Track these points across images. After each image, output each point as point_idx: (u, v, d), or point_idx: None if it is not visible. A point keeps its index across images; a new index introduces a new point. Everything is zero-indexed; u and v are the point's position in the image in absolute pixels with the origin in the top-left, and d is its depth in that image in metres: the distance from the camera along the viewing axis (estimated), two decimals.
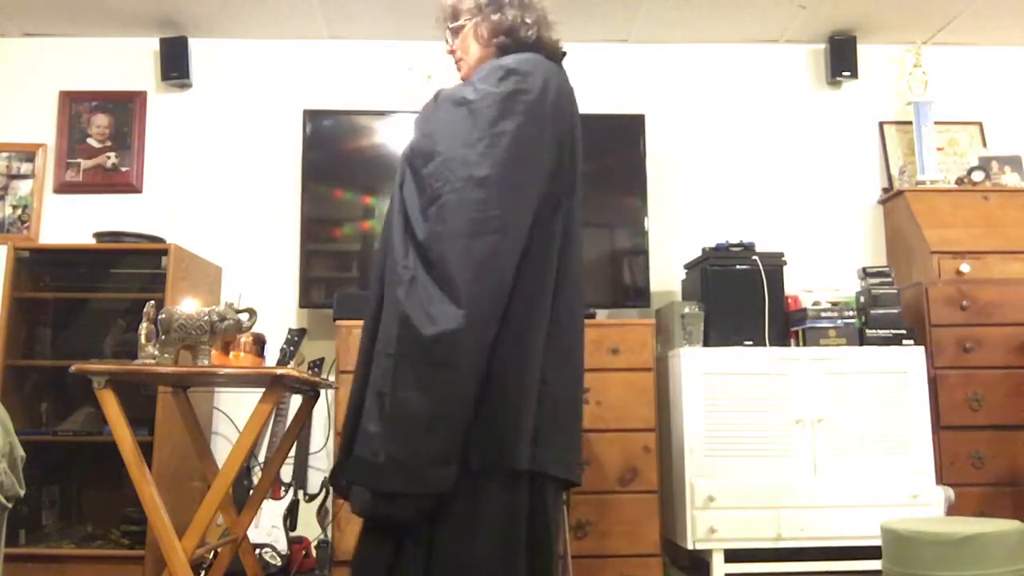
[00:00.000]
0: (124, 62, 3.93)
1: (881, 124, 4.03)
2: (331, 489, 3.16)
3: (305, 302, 3.62)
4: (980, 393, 3.23)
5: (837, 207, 3.96)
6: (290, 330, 3.44)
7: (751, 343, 3.25)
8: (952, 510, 3.06)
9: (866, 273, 3.40)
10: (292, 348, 3.40)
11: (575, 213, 1.92)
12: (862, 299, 3.33)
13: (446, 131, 1.83)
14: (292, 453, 3.29)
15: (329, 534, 3.14)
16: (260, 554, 3.00)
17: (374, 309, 1.85)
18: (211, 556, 2.75)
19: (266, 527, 3.09)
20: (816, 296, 3.32)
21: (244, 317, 2.21)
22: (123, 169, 3.83)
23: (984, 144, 3.99)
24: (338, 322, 3.20)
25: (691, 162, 3.99)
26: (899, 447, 3.11)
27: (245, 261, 3.78)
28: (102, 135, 3.85)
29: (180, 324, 2.14)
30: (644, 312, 3.62)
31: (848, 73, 3.96)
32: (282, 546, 3.06)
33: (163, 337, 2.15)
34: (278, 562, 3.03)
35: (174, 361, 2.16)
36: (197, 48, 3.92)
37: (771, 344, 3.26)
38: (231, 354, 2.30)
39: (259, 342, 2.37)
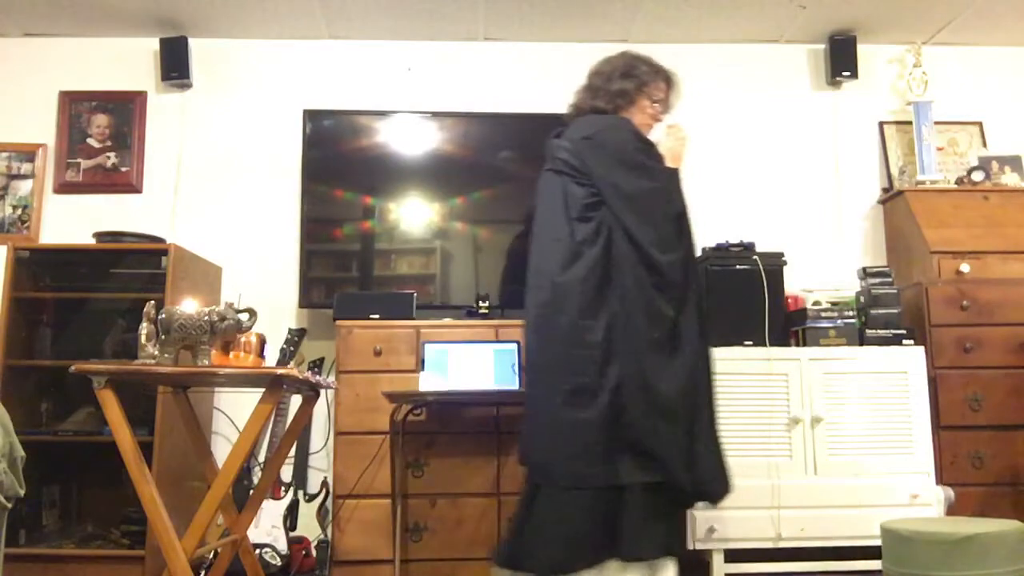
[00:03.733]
0: (124, 62, 3.93)
1: (881, 124, 4.03)
2: (329, 491, 3.16)
3: (305, 302, 3.62)
4: (980, 393, 3.23)
5: (837, 207, 3.96)
6: (290, 330, 3.44)
7: (751, 343, 3.24)
8: (952, 510, 3.06)
9: (866, 273, 3.40)
10: (292, 348, 3.40)
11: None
12: (862, 299, 3.32)
13: None
14: (292, 453, 3.29)
15: (329, 534, 3.14)
16: (260, 554, 3.00)
17: None
18: (211, 556, 2.75)
19: (266, 527, 3.09)
20: (816, 296, 3.31)
21: (244, 317, 2.21)
22: (123, 169, 3.84)
23: (984, 144, 3.99)
24: (338, 322, 3.20)
25: (691, 162, 3.97)
26: (899, 447, 3.10)
27: (245, 261, 3.78)
28: (102, 135, 3.85)
29: (180, 324, 2.14)
30: None
31: (848, 73, 3.96)
32: (282, 546, 3.06)
33: (163, 337, 2.15)
34: (278, 562, 3.03)
35: (174, 361, 2.17)
36: (197, 48, 3.92)
37: (771, 344, 3.26)
38: (231, 354, 2.30)
39: (259, 342, 2.37)
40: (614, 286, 2.14)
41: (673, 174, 2.36)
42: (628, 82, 2.44)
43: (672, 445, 2.06)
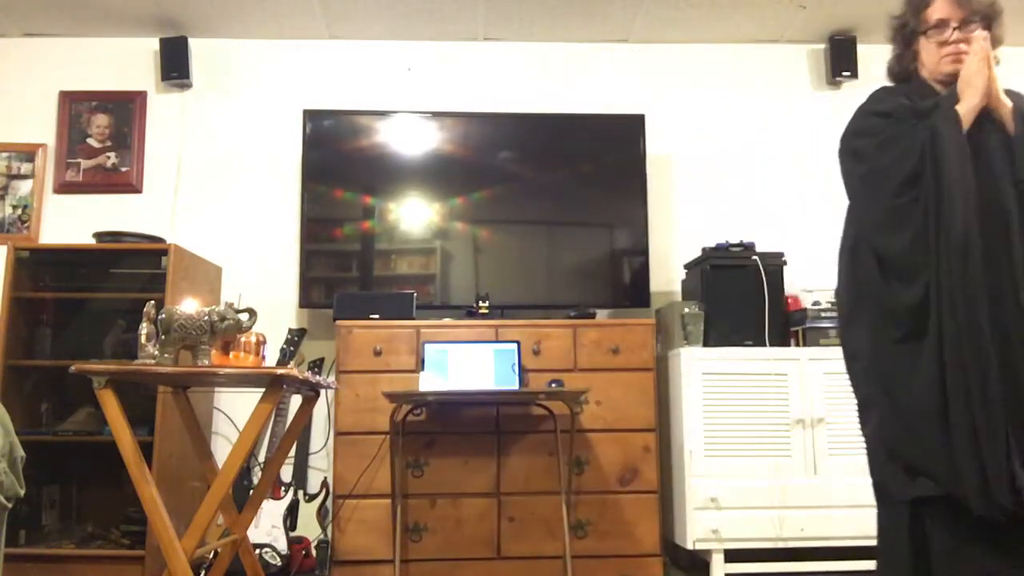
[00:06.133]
0: (124, 62, 3.93)
1: None
2: (329, 491, 3.16)
3: (305, 302, 3.62)
4: None
5: (837, 207, 3.94)
6: (290, 330, 3.44)
7: (751, 343, 3.25)
8: None
9: None
10: (292, 348, 3.40)
11: None
12: None
13: None
14: (292, 453, 3.30)
15: (329, 534, 3.14)
16: (260, 554, 3.00)
17: None
18: (211, 556, 2.75)
19: (266, 527, 3.09)
20: (816, 296, 3.31)
21: (244, 317, 2.21)
22: (123, 169, 3.84)
23: None
24: (338, 322, 3.20)
25: (691, 162, 3.98)
26: None
27: (245, 261, 3.78)
28: (102, 135, 3.85)
29: (180, 324, 2.14)
30: (644, 312, 3.62)
31: (848, 73, 3.96)
32: (282, 546, 3.06)
33: (163, 337, 2.15)
34: (278, 562, 3.03)
35: (174, 361, 2.17)
36: (197, 48, 3.93)
37: (771, 344, 3.26)
38: (231, 354, 2.30)
39: (259, 342, 2.37)
40: (865, 291, 1.95)
41: (898, 136, 1.97)
42: (897, 43, 2.18)
43: (928, 454, 1.74)
